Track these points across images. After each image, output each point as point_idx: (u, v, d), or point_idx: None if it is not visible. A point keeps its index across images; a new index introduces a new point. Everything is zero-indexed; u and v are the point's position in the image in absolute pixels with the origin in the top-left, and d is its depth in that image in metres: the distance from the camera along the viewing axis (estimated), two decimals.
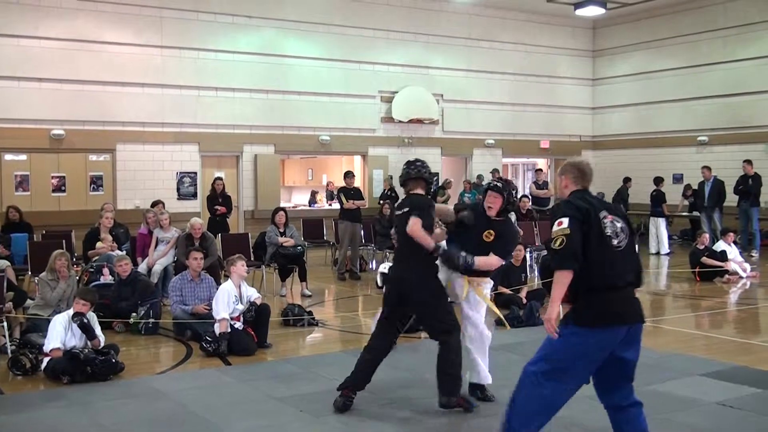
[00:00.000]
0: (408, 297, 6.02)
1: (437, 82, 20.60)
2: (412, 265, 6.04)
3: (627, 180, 19.63)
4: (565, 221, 4.49)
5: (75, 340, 7.35)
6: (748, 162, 17.42)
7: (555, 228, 4.53)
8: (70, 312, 7.49)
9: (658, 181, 18.32)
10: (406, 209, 6.03)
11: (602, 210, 4.59)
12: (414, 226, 5.84)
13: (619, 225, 4.59)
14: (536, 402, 4.58)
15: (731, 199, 17.53)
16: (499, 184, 6.40)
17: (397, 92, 19.97)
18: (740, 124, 19.63)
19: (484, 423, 5.78)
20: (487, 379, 6.38)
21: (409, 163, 6.31)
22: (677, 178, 20.11)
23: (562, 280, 4.45)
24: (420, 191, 6.22)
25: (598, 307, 4.48)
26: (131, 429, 5.71)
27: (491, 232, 6.25)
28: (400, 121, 19.94)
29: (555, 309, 4.51)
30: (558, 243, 4.46)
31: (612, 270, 4.49)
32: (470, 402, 6.06)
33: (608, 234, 4.52)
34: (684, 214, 19.46)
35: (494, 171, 19.64)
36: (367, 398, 6.42)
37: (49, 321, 7.85)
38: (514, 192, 6.39)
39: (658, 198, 18.10)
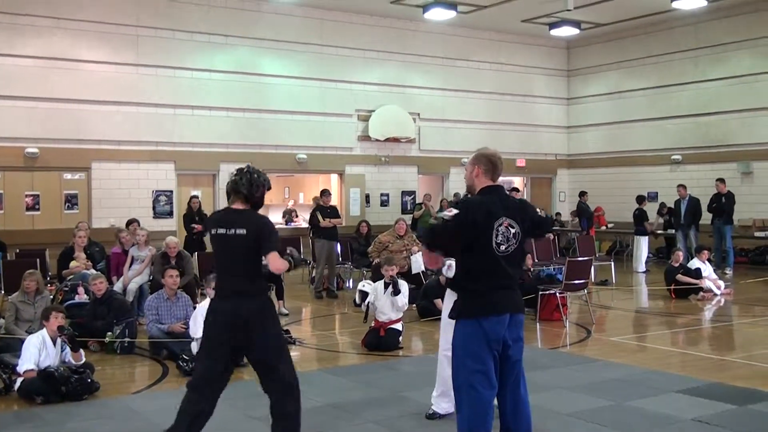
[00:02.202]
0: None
1: (414, 101, 20.69)
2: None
3: (583, 194, 19.80)
4: (454, 214, 4.77)
5: (50, 359, 7.25)
6: (721, 180, 17.63)
7: (445, 212, 4.86)
8: (44, 332, 7.39)
9: (641, 199, 18.50)
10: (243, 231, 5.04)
11: (501, 217, 4.78)
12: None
13: (513, 230, 4.81)
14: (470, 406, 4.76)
15: (706, 217, 17.72)
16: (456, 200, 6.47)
17: (373, 111, 20.03)
18: (712, 143, 19.89)
19: None
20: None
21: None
22: (652, 197, 20.29)
23: (426, 254, 5.21)
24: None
25: (478, 302, 4.77)
26: None
27: None
28: (376, 140, 20.00)
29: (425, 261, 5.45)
30: (437, 222, 4.93)
31: (494, 273, 4.78)
32: None
33: (498, 242, 4.76)
34: (659, 232, 19.64)
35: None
36: (344, 417, 6.40)
37: (22, 341, 7.76)
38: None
39: (640, 217, 18.25)
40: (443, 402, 6.23)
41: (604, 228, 20.59)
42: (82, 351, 7.52)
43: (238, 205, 5.16)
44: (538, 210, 5.29)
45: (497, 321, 4.74)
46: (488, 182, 4.96)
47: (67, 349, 7.40)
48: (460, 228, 4.73)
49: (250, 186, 5.11)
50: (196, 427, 5.04)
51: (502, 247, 4.76)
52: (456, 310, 4.91)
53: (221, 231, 5.07)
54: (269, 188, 5.26)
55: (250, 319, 4.95)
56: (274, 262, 4.95)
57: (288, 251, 5.31)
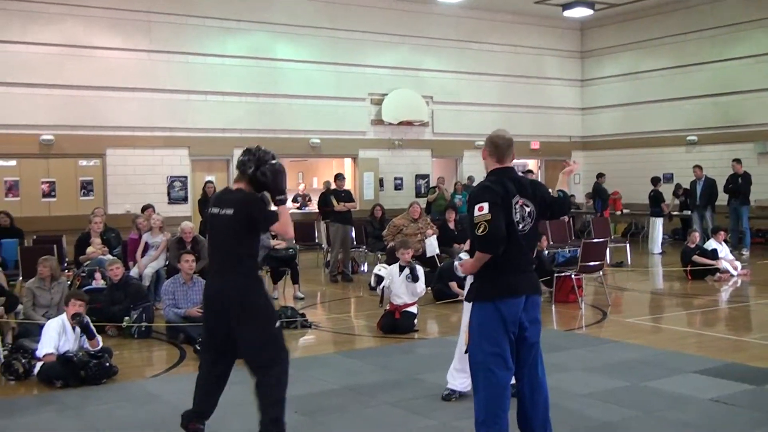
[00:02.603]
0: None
1: (427, 84, 20.62)
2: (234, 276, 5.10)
3: (600, 175, 19.67)
4: (486, 206, 4.69)
5: (69, 344, 7.32)
6: (738, 161, 17.51)
7: (476, 213, 4.72)
8: (63, 317, 7.46)
9: (656, 181, 18.40)
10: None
11: (515, 195, 4.78)
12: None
13: (528, 209, 4.81)
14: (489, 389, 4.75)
15: (722, 198, 17.62)
16: None
17: (386, 95, 19.98)
18: (729, 124, 19.72)
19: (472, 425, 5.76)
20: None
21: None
22: (668, 178, 20.16)
23: (482, 259, 4.76)
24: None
25: (497, 283, 4.76)
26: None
27: None
28: (390, 124, 19.96)
29: (468, 270, 4.99)
30: (481, 229, 4.67)
31: (510, 254, 4.74)
32: None
33: (516, 220, 4.75)
34: (675, 213, 19.54)
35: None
36: (360, 399, 6.43)
37: (41, 326, 7.84)
38: None
39: (656, 198, 18.15)
40: (460, 377, 6.24)
41: (618, 213, 20.47)
42: (99, 337, 7.56)
43: (236, 185, 5.18)
44: (551, 190, 5.25)
45: (513, 303, 4.74)
46: (495, 164, 4.95)
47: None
48: (498, 208, 4.68)
49: (256, 168, 5.07)
50: (209, 395, 5.23)
51: (520, 226, 4.77)
52: (472, 293, 4.93)
53: (214, 210, 5.15)
54: (276, 171, 5.10)
55: (233, 294, 4.99)
56: (282, 226, 5.11)
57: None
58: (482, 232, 4.66)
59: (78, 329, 7.39)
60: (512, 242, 4.75)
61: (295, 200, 21.41)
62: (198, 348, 8.00)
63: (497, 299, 4.74)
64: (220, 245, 5.13)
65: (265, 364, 5.04)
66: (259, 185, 5.11)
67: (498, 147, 4.96)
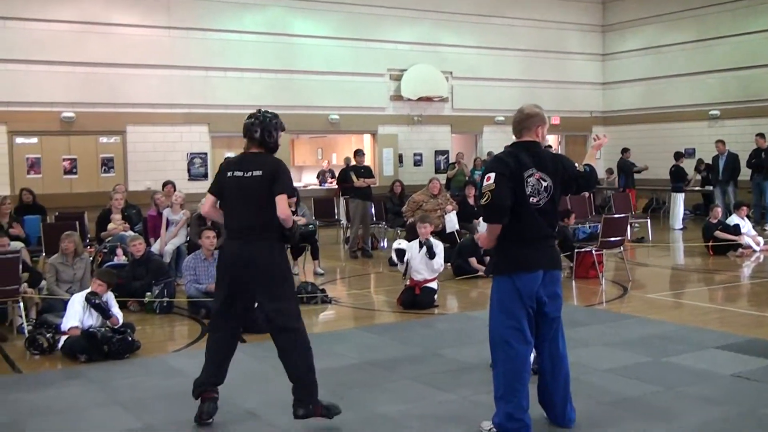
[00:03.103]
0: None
1: (446, 60, 20.49)
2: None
3: (625, 150, 19.49)
4: (492, 176, 4.73)
5: (92, 319, 7.40)
6: (761, 135, 17.30)
7: (484, 183, 4.77)
8: (85, 293, 7.53)
9: (678, 156, 18.20)
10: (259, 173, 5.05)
11: (530, 168, 4.76)
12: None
13: (544, 183, 4.79)
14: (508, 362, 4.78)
15: (745, 173, 17.44)
16: None
17: (406, 70, 19.89)
18: (752, 98, 19.48)
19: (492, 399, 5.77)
20: None
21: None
22: (689, 153, 19.98)
23: (493, 231, 4.83)
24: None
25: (515, 258, 4.79)
26: (149, 405, 5.76)
27: None
28: (409, 99, 19.89)
29: (485, 243, 5.14)
30: (485, 199, 4.74)
31: (526, 228, 4.77)
32: (330, 409, 5.12)
33: (528, 193, 4.74)
34: (697, 188, 19.37)
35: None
36: (381, 374, 6.46)
37: (64, 301, 7.92)
38: None
39: (677, 173, 17.98)
40: None
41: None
42: (119, 314, 7.61)
43: (253, 149, 5.17)
44: (577, 165, 5.21)
45: (530, 278, 4.75)
46: (517, 137, 5.00)
47: (110, 310, 7.52)
48: (504, 179, 4.71)
49: (262, 130, 5.10)
50: (222, 363, 5.23)
51: (533, 199, 4.76)
52: (491, 267, 5.00)
53: (238, 173, 5.08)
54: (283, 129, 5.23)
55: (254, 257, 4.97)
56: (281, 203, 4.97)
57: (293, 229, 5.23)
58: (485, 201, 4.74)
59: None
60: (526, 216, 4.75)
61: (318, 176, 21.45)
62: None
63: (513, 274, 4.77)
64: (245, 209, 5.04)
65: (293, 328, 5.06)
66: (270, 149, 5.16)
67: (517, 122, 4.98)
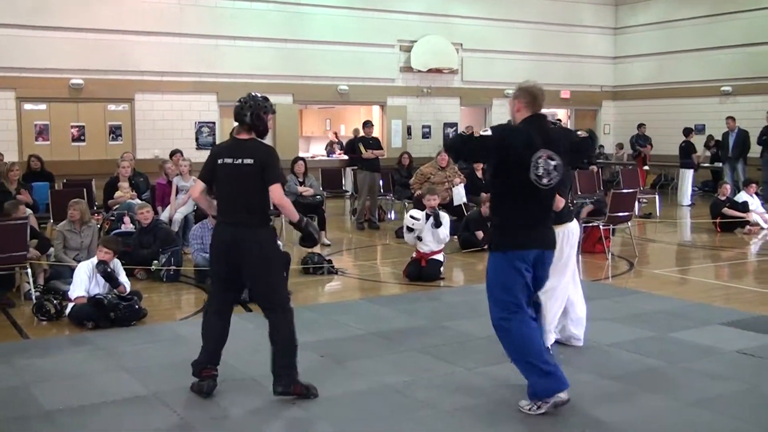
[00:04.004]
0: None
1: (457, 31, 20.34)
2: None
3: (641, 125, 19.51)
4: (490, 131, 4.77)
5: (99, 288, 7.42)
6: None
7: (481, 132, 4.79)
8: (94, 260, 7.55)
9: (688, 132, 18.08)
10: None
11: (539, 149, 4.68)
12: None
13: (553, 163, 4.70)
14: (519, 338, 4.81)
15: (755, 150, 17.34)
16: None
17: (416, 41, 19.76)
18: (764, 74, 19.30)
19: (497, 371, 5.80)
20: None
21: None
22: (699, 129, 19.85)
23: (451, 149, 5.20)
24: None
25: (512, 236, 4.81)
26: (156, 372, 5.81)
27: None
28: (419, 71, 19.78)
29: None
30: (470, 134, 4.85)
31: (527, 207, 4.78)
32: (309, 389, 5.19)
33: (539, 174, 4.67)
34: (706, 165, 19.28)
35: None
36: (387, 345, 6.49)
37: (72, 268, 7.96)
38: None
39: (687, 149, 17.87)
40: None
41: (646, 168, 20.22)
42: (126, 283, 7.62)
43: (243, 135, 5.20)
44: (579, 132, 5.18)
45: (523, 255, 4.78)
46: (528, 113, 4.88)
47: (118, 278, 7.54)
48: (497, 142, 4.73)
49: (252, 114, 5.14)
50: (216, 348, 5.32)
51: (544, 180, 4.72)
52: (489, 242, 5.05)
53: (228, 161, 5.14)
54: (273, 112, 5.27)
55: (247, 243, 5.08)
56: (276, 192, 5.07)
57: (305, 222, 5.43)
58: (468, 137, 4.84)
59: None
60: (533, 197, 4.75)
61: (327, 147, 21.44)
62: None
63: (508, 250, 4.79)
64: (236, 196, 5.12)
65: (281, 304, 5.19)
66: (260, 132, 5.21)
67: (536, 97, 4.87)
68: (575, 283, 6.25)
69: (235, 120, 5.24)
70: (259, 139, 5.22)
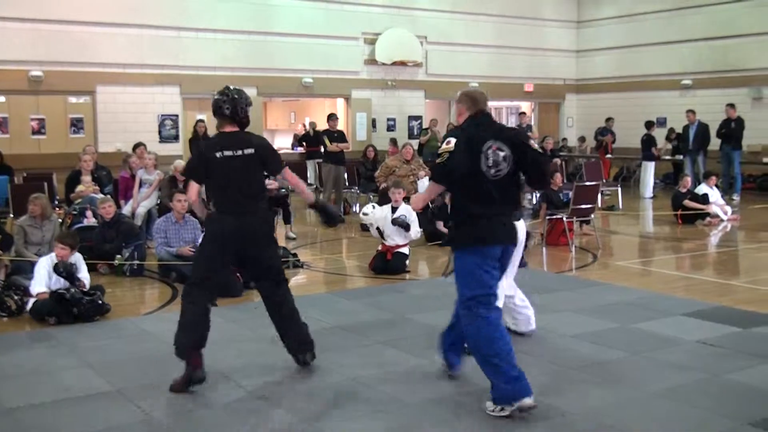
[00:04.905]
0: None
1: (421, 24, 20.38)
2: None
3: (609, 119, 19.82)
4: (453, 141, 4.73)
5: (60, 283, 7.31)
6: (731, 106, 17.43)
7: (443, 146, 4.79)
8: (53, 255, 7.45)
9: (649, 125, 18.29)
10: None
11: (488, 140, 4.73)
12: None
13: (501, 154, 4.73)
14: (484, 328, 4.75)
15: (715, 143, 17.60)
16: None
17: (380, 34, 19.76)
18: (725, 68, 19.61)
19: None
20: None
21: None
22: (661, 122, 20.11)
23: (433, 189, 5.08)
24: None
25: (471, 231, 4.76)
26: (120, 368, 5.74)
27: None
28: (383, 64, 19.80)
29: (418, 203, 5.57)
30: (440, 159, 4.76)
31: (483, 200, 4.73)
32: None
33: (488, 165, 4.70)
34: (667, 157, 19.53)
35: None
36: (352, 338, 6.49)
37: (33, 263, 7.84)
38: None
39: (649, 142, 18.08)
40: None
41: (609, 156, 20.50)
42: (86, 278, 7.51)
43: (230, 128, 5.38)
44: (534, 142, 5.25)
45: (487, 251, 4.77)
46: (469, 113, 4.93)
47: (77, 274, 7.43)
48: (463, 147, 4.69)
49: (233, 107, 5.32)
50: (204, 333, 5.27)
51: (492, 171, 4.72)
52: (449, 238, 5.02)
53: (227, 153, 5.27)
54: (250, 104, 5.45)
55: (254, 227, 5.34)
56: (290, 175, 5.51)
57: (321, 202, 6.01)
58: (440, 161, 4.76)
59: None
60: (484, 189, 4.72)
61: (298, 140, 21.26)
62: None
63: (470, 247, 4.77)
64: (238, 185, 5.27)
65: (284, 278, 5.60)
66: (243, 124, 5.40)
67: (475, 99, 4.94)
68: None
69: (215, 114, 5.37)
70: (248, 132, 5.43)
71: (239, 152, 5.24)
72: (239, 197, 5.27)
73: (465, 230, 4.82)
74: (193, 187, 5.44)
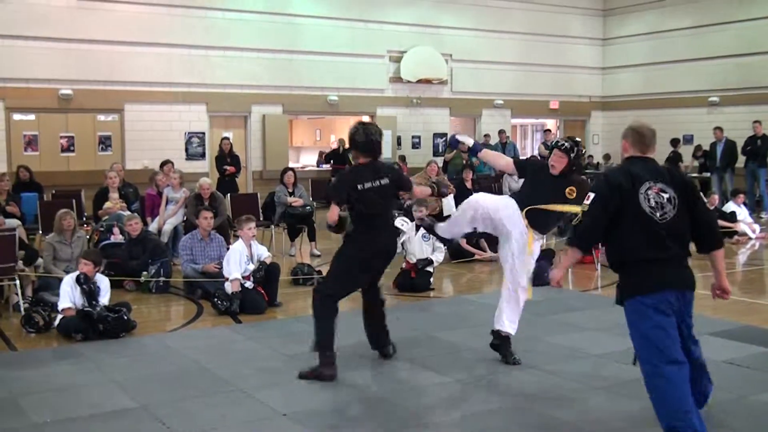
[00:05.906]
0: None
1: (446, 42, 20.43)
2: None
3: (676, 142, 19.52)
4: (591, 197, 4.43)
5: (84, 299, 7.37)
6: (758, 122, 17.29)
7: (585, 202, 4.48)
8: (77, 273, 7.50)
9: (675, 142, 18.21)
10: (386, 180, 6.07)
11: (647, 181, 4.37)
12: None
13: (665, 195, 4.35)
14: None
15: (740, 160, 17.45)
16: (567, 144, 6.08)
17: (405, 52, 19.84)
18: (752, 84, 19.45)
19: (488, 382, 5.81)
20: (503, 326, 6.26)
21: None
22: (687, 139, 19.99)
23: (572, 255, 4.63)
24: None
25: (639, 278, 4.35)
26: (145, 385, 5.78)
27: (573, 189, 5.98)
28: (408, 81, 19.85)
29: (559, 273, 4.82)
30: (577, 220, 4.58)
31: (648, 245, 4.30)
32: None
33: (651, 206, 4.30)
34: (694, 175, 19.37)
35: (501, 132, 19.66)
36: (374, 356, 6.48)
37: (61, 279, 7.92)
38: (581, 153, 6.09)
39: (675, 159, 17.97)
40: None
41: None
42: (104, 299, 7.49)
43: (363, 159, 6.04)
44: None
45: (662, 298, 4.32)
46: (635, 154, 4.57)
47: (97, 298, 7.45)
48: (603, 203, 4.36)
49: (374, 142, 5.98)
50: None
51: (658, 214, 4.31)
52: (619, 292, 4.52)
53: (376, 183, 5.96)
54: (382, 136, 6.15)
55: (393, 243, 6.36)
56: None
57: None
58: (576, 223, 4.56)
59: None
60: (650, 233, 4.30)
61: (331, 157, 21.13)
62: (219, 305, 8.04)
63: (643, 295, 4.31)
64: (386, 208, 6.15)
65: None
66: (379, 155, 6.13)
67: (643, 136, 4.56)
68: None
69: (361, 150, 5.99)
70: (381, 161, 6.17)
71: (380, 182, 5.97)
72: (386, 217, 6.20)
73: (630, 279, 4.42)
74: (334, 208, 6.10)
